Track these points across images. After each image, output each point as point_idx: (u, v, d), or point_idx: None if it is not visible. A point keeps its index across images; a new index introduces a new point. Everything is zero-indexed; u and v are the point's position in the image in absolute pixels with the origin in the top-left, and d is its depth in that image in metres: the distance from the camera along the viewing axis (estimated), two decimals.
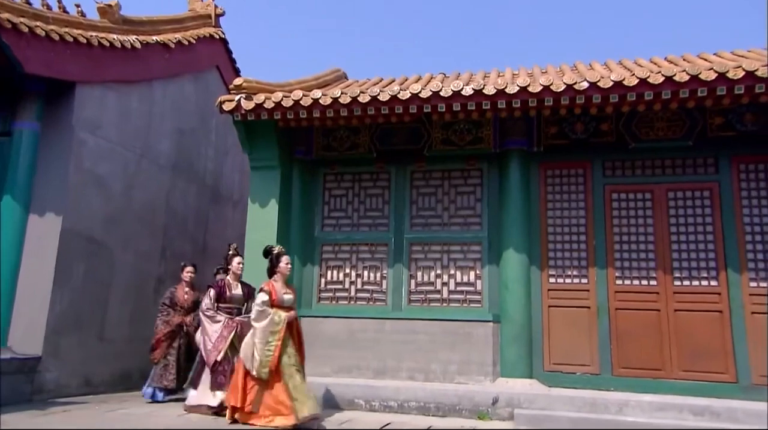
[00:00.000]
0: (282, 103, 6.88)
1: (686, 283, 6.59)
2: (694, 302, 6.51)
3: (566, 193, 7.14)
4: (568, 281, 6.92)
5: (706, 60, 6.85)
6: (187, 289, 7.13)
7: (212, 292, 6.36)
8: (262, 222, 7.39)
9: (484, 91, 6.32)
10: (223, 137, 10.68)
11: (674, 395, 6.11)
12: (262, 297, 5.62)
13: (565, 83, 6.09)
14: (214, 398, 5.98)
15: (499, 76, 7.74)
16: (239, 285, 6.54)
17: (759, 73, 5.57)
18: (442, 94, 6.45)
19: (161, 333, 6.78)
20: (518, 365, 6.64)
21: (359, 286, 7.52)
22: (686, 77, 5.76)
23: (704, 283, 6.53)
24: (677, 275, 6.63)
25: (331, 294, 7.61)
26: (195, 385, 6.20)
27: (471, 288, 7.18)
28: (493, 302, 7.00)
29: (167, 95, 9.14)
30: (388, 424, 5.73)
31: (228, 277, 6.57)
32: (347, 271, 7.61)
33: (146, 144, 8.64)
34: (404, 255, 7.44)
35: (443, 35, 31.93)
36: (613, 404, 5.97)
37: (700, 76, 5.73)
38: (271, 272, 5.88)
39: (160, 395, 6.69)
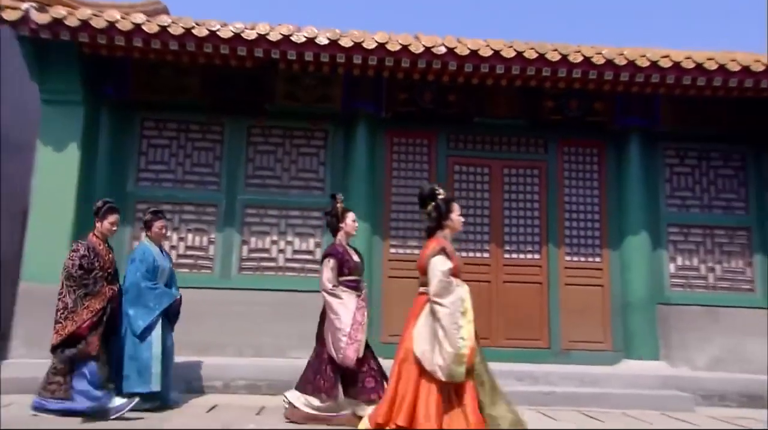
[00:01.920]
0: (92, 23, 5.57)
1: (514, 256, 6.93)
2: (520, 274, 6.87)
3: (411, 163, 7.02)
4: (409, 251, 6.81)
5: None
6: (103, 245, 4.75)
7: (332, 261, 4.62)
8: (57, 169, 6.00)
9: (340, 42, 5.81)
10: None
11: (500, 362, 6.37)
12: (443, 262, 3.64)
13: (423, 46, 5.86)
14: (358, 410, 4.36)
15: None
16: (352, 250, 4.89)
17: (594, 60, 5.94)
18: (294, 39, 5.79)
19: (91, 311, 4.36)
20: None
21: (181, 250, 6.57)
22: (534, 55, 5.92)
23: (529, 256, 6.94)
24: (507, 248, 6.94)
25: None
26: (313, 390, 4.45)
27: (310, 256, 6.70)
28: None
29: None
30: (213, 407, 5.01)
31: (340, 239, 4.82)
32: (168, 233, 6.56)
33: None
34: (237, 218, 6.65)
35: None
36: None
37: (546, 55, 5.93)
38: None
39: (118, 402, 4.37)
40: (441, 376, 3.44)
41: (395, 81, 6.57)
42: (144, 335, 4.61)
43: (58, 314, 4.35)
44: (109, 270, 4.65)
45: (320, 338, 4.60)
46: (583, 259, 6.92)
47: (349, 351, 4.31)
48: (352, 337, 4.37)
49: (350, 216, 4.82)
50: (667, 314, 6.71)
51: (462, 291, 3.63)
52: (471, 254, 6.86)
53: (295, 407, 4.45)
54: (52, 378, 4.38)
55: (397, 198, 6.92)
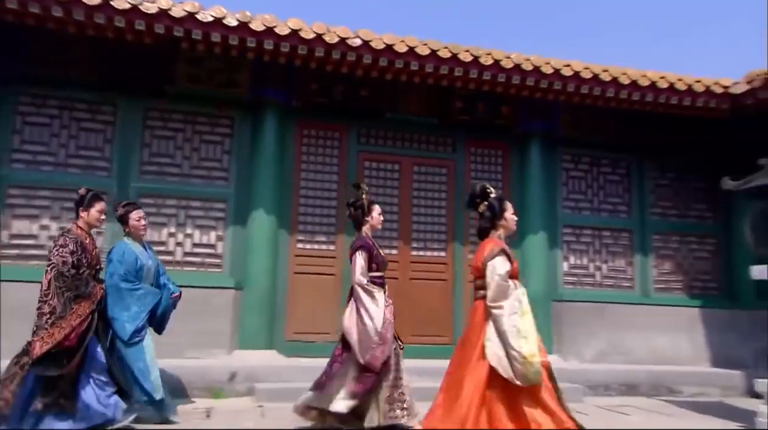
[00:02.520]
0: None
1: (422, 253, 6.99)
2: (426, 271, 6.95)
3: (321, 156, 6.84)
4: (316, 247, 6.65)
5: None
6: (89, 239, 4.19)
7: (364, 254, 4.26)
8: None
9: (251, 25, 5.51)
10: None
11: (406, 359, 6.38)
12: (503, 264, 3.51)
13: (339, 36, 5.71)
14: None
15: None
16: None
17: (503, 64, 6.12)
18: (199, 17, 5.40)
19: (79, 316, 3.77)
20: (258, 336, 6.11)
21: None
22: (448, 54, 5.99)
23: (436, 254, 7.03)
24: (415, 245, 6.98)
25: (17, 251, 5.79)
26: (332, 390, 4.08)
27: (211, 250, 6.31)
28: (235, 267, 6.27)
29: None
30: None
31: (366, 232, 4.47)
32: (45, 222, 5.89)
33: None
34: None
35: None
36: None
37: (458, 56, 6.02)
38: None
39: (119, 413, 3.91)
40: (518, 382, 3.31)
41: (307, 70, 6.36)
42: (134, 340, 4.18)
43: (44, 319, 3.68)
44: (97, 267, 4.10)
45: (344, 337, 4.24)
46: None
47: (378, 351, 4.01)
48: (382, 336, 4.08)
49: (377, 209, 4.55)
50: (560, 311, 7.10)
51: (519, 292, 3.51)
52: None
53: None
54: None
55: (306, 191, 6.71)
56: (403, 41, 5.88)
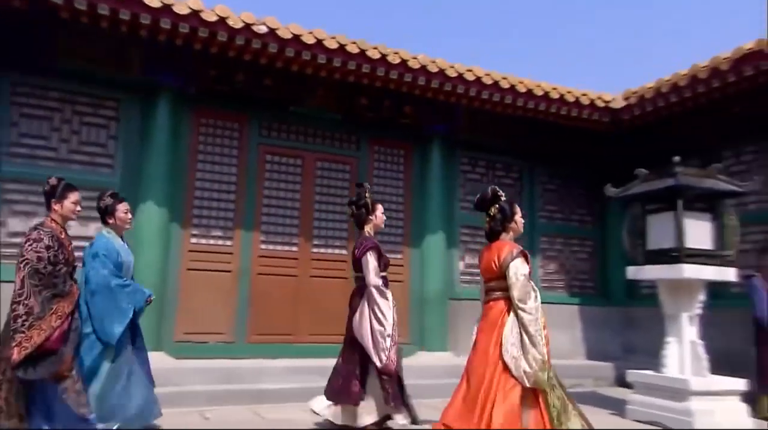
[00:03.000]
0: None
1: (323, 250, 6.87)
2: (327, 268, 6.83)
3: (219, 147, 6.49)
4: (212, 242, 6.30)
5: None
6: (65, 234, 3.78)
7: (375, 255, 4.24)
8: None
9: (145, 0, 5.06)
10: None
11: (304, 359, 6.26)
12: (524, 266, 3.57)
13: (243, 22, 5.44)
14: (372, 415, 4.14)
15: None
16: None
17: (410, 64, 6.18)
18: None
19: (60, 317, 3.45)
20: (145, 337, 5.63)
21: None
22: (356, 50, 5.92)
23: (337, 251, 6.94)
24: (316, 242, 6.84)
25: None
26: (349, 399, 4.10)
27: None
28: None
29: None
30: None
31: (369, 232, 4.45)
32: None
33: None
34: None
35: None
36: (248, 372, 5.71)
37: (367, 52, 5.97)
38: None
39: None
40: (527, 382, 3.37)
41: (207, 55, 5.97)
42: (121, 342, 3.84)
43: (20, 321, 3.33)
44: (74, 264, 3.74)
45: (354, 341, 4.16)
46: (387, 255, 7.14)
47: (392, 353, 3.99)
48: (394, 338, 4.07)
49: (380, 208, 4.51)
50: (456, 309, 7.31)
51: (539, 295, 3.56)
52: (279, 248, 6.61)
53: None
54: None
55: (202, 184, 6.33)
56: (311, 33, 5.73)
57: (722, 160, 6.96)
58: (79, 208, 3.80)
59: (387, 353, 3.99)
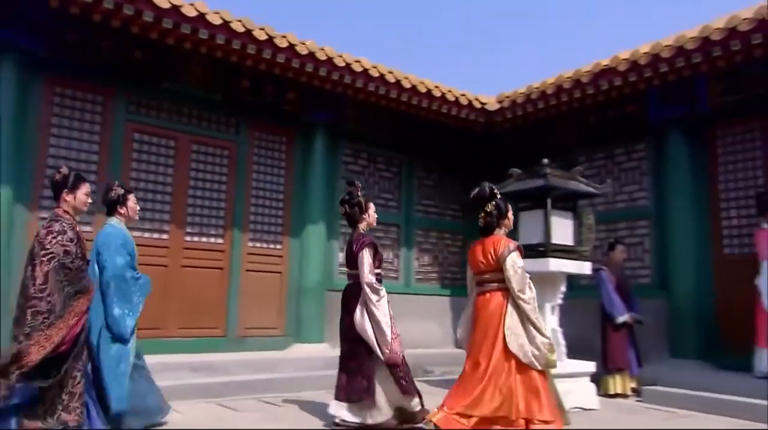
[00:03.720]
0: None
1: (196, 239, 6.46)
2: (200, 258, 6.44)
3: (79, 121, 5.81)
4: None
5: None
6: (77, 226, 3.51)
7: (371, 251, 4.33)
8: None
9: None
10: None
11: (174, 354, 5.84)
12: (520, 259, 3.85)
13: None
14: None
15: None
16: None
17: (298, 49, 5.99)
18: None
19: (77, 315, 3.23)
20: None
21: None
22: (242, 29, 5.61)
23: (212, 240, 6.56)
24: (189, 230, 6.41)
25: None
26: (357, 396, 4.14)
27: None
28: None
29: None
30: None
31: (363, 229, 4.57)
32: None
33: None
34: None
35: None
36: None
37: (253, 32, 5.70)
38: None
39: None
40: (538, 365, 3.65)
41: (66, 15, 5.28)
42: (131, 335, 3.77)
43: (40, 318, 3.11)
44: (87, 258, 3.53)
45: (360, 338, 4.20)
46: (265, 245, 6.92)
47: (395, 345, 4.13)
48: (394, 331, 4.19)
49: (373, 206, 4.63)
50: (333, 300, 7.23)
51: (533, 286, 3.80)
52: (147, 236, 6.09)
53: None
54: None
55: (55, 162, 5.58)
56: (192, 5, 5.33)
57: (578, 163, 7.71)
58: (90, 200, 3.63)
59: (390, 345, 4.11)
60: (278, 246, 7.01)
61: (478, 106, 7.69)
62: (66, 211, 3.45)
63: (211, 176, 6.61)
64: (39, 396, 3.14)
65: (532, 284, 3.82)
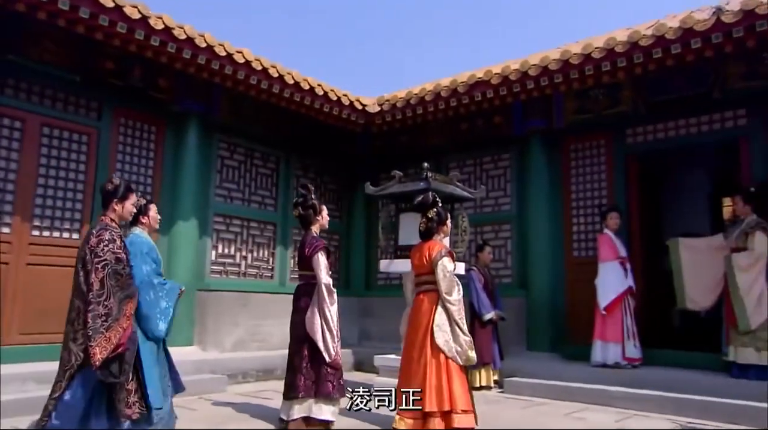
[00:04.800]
0: None
1: (46, 234, 5.75)
2: (51, 255, 5.74)
3: None
4: None
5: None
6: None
7: (325, 254, 4.48)
8: None
9: None
10: None
11: (16, 364, 5.15)
12: (451, 263, 4.16)
13: None
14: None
15: None
16: None
17: (176, 33, 5.59)
18: None
19: (128, 317, 3.51)
20: None
21: None
22: (111, 4, 5.10)
23: (66, 235, 5.89)
24: (37, 224, 5.69)
25: None
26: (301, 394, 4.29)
27: None
28: None
29: None
30: None
31: (315, 231, 4.63)
32: None
33: None
34: None
35: None
36: None
37: (125, 9, 5.21)
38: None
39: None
40: (460, 361, 4.01)
41: None
42: (164, 338, 4.01)
43: (99, 321, 3.33)
44: (131, 264, 3.66)
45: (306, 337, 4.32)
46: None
47: (338, 348, 4.34)
48: (338, 335, 4.38)
49: (326, 209, 4.73)
50: (205, 300, 6.92)
51: (461, 289, 4.13)
52: None
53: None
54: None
55: None
56: None
57: (450, 168, 8.13)
58: (135, 210, 3.92)
59: (336, 348, 4.29)
60: None
61: (359, 107, 7.78)
62: (113, 220, 3.66)
63: (66, 164, 5.92)
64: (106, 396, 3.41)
65: (460, 288, 4.14)
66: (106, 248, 3.45)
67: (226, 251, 7.44)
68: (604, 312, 6.19)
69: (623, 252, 6.39)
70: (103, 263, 3.42)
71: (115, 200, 3.69)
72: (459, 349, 4.00)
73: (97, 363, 3.30)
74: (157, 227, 4.49)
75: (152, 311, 3.91)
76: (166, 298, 4.07)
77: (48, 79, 5.79)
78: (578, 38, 7.42)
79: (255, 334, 7.47)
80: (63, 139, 5.92)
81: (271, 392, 6.11)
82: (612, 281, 6.28)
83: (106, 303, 3.37)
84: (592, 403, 5.61)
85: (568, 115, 7.19)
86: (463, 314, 4.11)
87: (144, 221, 4.24)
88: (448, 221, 4.45)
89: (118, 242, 3.53)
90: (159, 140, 6.73)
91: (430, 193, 4.48)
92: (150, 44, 5.58)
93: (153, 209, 4.33)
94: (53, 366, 5.19)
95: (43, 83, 5.77)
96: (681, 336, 7.60)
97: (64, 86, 5.91)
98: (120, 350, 3.38)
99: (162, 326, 3.98)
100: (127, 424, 3.45)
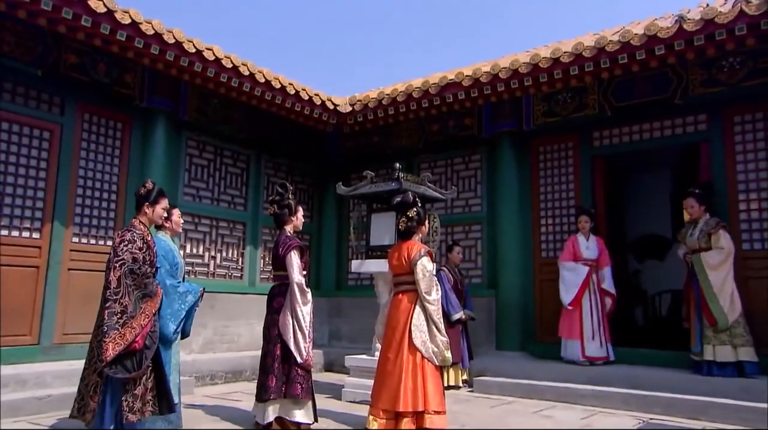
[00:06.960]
0: None
1: (4, 233, 5.53)
2: (8, 255, 5.53)
3: None
4: None
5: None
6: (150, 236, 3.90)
7: (299, 253, 4.39)
8: None
9: None
10: None
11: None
12: (430, 263, 4.16)
13: None
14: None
15: None
16: None
17: (143, 29, 5.46)
18: None
19: (147, 316, 3.58)
20: None
21: None
22: None
23: (25, 235, 5.68)
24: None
25: None
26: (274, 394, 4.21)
27: None
28: None
29: None
30: None
31: (290, 232, 4.59)
32: None
33: None
34: None
35: None
36: None
37: (89, 2, 5.05)
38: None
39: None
40: (436, 361, 4.01)
41: None
42: (174, 339, 4.09)
43: (115, 318, 3.42)
44: (157, 265, 3.84)
45: (278, 337, 4.28)
46: (93, 241, 6.18)
47: (310, 349, 4.29)
48: (310, 336, 4.33)
49: (301, 210, 4.70)
50: None
51: (440, 289, 4.15)
52: None
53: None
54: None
55: None
56: None
57: (421, 168, 8.17)
58: (166, 214, 4.08)
59: (307, 349, 4.23)
60: (109, 242, 6.30)
61: (331, 106, 7.74)
62: (141, 222, 3.81)
63: (26, 161, 5.72)
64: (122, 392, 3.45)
65: (439, 287, 4.19)
66: (125, 248, 3.58)
67: (195, 250, 7.31)
68: (569, 307, 6.33)
69: (588, 254, 6.51)
70: (121, 262, 3.54)
71: (147, 204, 3.87)
72: (436, 349, 4.01)
73: (107, 358, 3.35)
74: (180, 230, 4.66)
75: (163, 311, 3.92)
76: (178, 300, 4.13)
77: (8, 72, 5.58)
78: (548, 42, 7.56)
79: (223, 335, 7.36)
80: (23, 134, 5.71)
81: (241, 394, 6.05)
82: (569, 278, 6.45)
83: (122, 301, 3.47)
84: (559, 401, 5.72)
85: (537, 118, 7.30)
86: (441, 314, 4.13)
87: (167, 225, 4.40)
88: (427, 222, 4.49)
89: (138, 242, 3.64)
90: (125, 137, 6.56)
91: (409, 193, 4.49)
92: (116, 39, 5.44)
93: (176, 214, 4.45)
94: (12, 370, 5.07)
95: (2, 77, 5.56)
96: (644, 335, 7.82)
97: (25, 80, 5.71)
98: (134, 347, 3.43)
99: (172, 327, 4.02)
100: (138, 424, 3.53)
